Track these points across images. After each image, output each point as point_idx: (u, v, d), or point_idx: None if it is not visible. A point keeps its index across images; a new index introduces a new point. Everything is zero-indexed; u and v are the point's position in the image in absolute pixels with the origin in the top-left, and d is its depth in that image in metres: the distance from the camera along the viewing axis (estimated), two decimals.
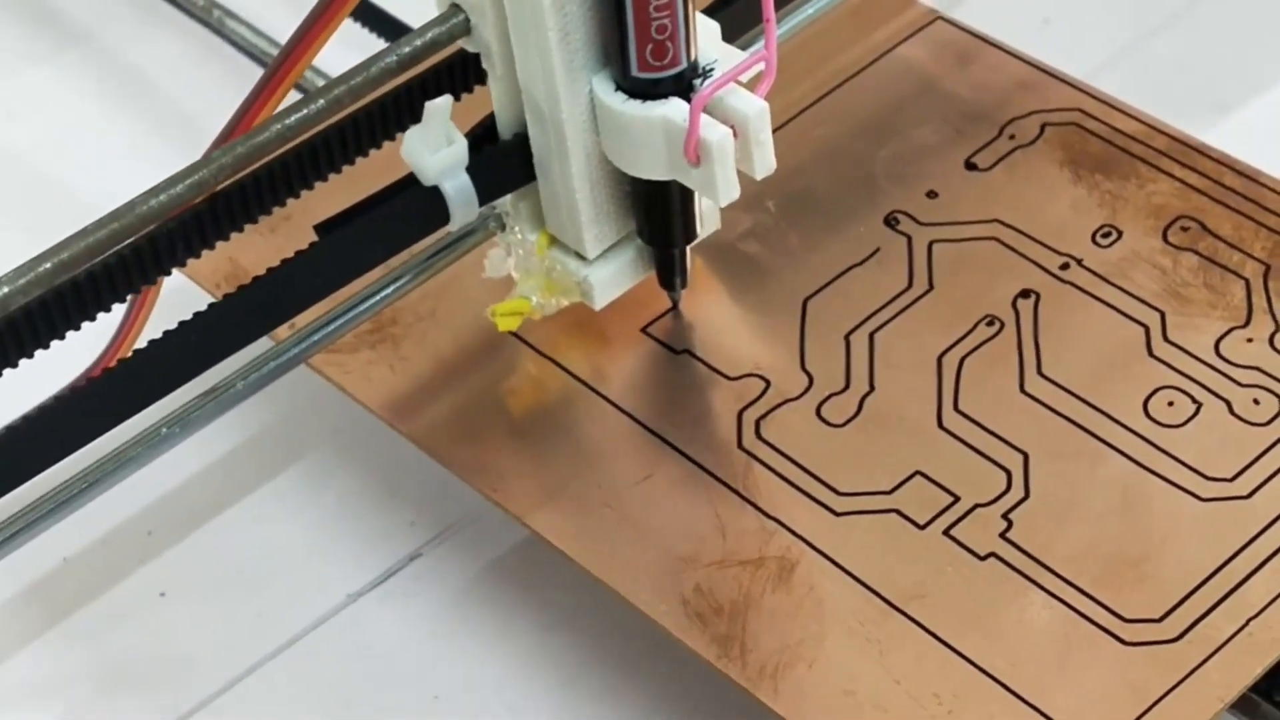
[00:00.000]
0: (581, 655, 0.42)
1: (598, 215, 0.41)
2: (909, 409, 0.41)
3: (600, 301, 0.42)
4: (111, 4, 0.59)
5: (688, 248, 0.42)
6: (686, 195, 0.40)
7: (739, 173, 0.38)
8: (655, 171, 0.39)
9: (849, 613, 0.38)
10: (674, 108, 0.38)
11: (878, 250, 0.44)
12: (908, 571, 0.38)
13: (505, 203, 0.42)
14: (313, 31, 0.38)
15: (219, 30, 0.54)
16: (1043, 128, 0.45)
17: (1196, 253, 0.42)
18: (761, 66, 0.38)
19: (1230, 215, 0.43)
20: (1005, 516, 0.39)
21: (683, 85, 0.38)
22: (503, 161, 0.40)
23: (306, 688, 0.43)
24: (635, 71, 0.38)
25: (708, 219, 0.42)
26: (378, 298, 0.41)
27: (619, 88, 0.38)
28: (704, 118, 0.38)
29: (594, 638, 0.43)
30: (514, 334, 0.43)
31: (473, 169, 0.39)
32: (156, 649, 0.44)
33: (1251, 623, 0.36)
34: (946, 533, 0.39)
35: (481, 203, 0.40)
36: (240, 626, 0.44)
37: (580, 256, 0.42)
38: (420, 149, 0.39)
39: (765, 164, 0.38)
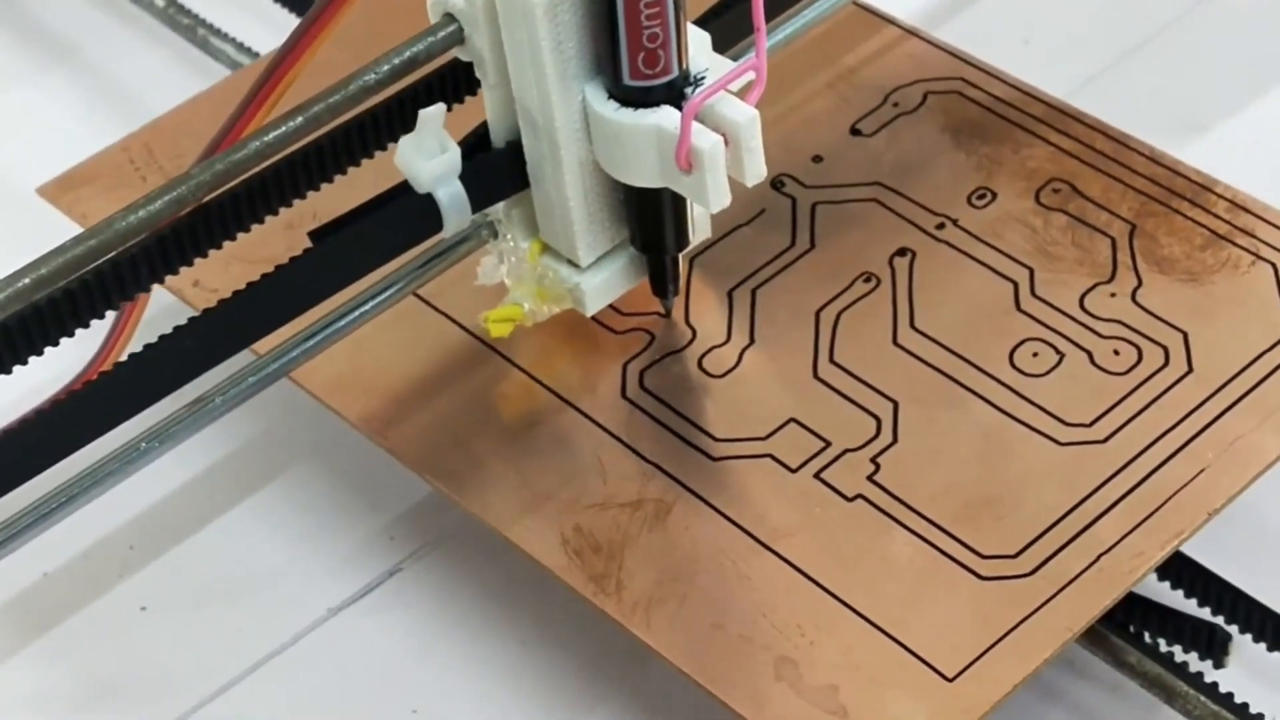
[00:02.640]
0: (560, 669, 0.43)
1: (590, 223, 0.41)
2: (786, 360, 0.42)
3: (592, 308, 0.42)
4: (97, 21, 0.60)
5: (679, 255, 0.42)
6: (678, 203, 0.41)
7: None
8: (647, 179, 0.39)
9: (721, 551, 0.39)
10: (666, 115, 0.38)
11: (763, 211, 0.45)
12: (778, 512, 0.40)
13: (498, 210, 0.42)
14: (300, 45, 0.39)
15: (204, 47, 0.55)
16: (925, 96, 0.47)
17: (1066, 213, 0.44)
18: (752, 76, 0.38)
19: (1100, 178, 0.45)
20: (874, 460, 0.40)
21: (674, 93, 0.38)
22: (496, 169, 0.40)
23: (286, 702, 0.44)
24: (627, 80, 0.38)
25: (699, 226, 0.42)
26: (357, 313, 0.41)
27: (611, 96, 0.39)
28: (695, 125, 0.38)
29: (573, 652, 0.43)
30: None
31: (466, 177, 0.39)
32: (137, 664, 0.45)
33: (1102, 558, 0.38)
34: (817, 476, 0.40)
35: (474, 210, 0.40)
36: (221, 641, 0.45)
37: (572, 264, 0.42)
38: (414, 156, 0.39)
39: (755, 171, 0.39)
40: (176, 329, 0.38)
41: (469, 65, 0.40)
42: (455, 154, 0.39)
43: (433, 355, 0.44)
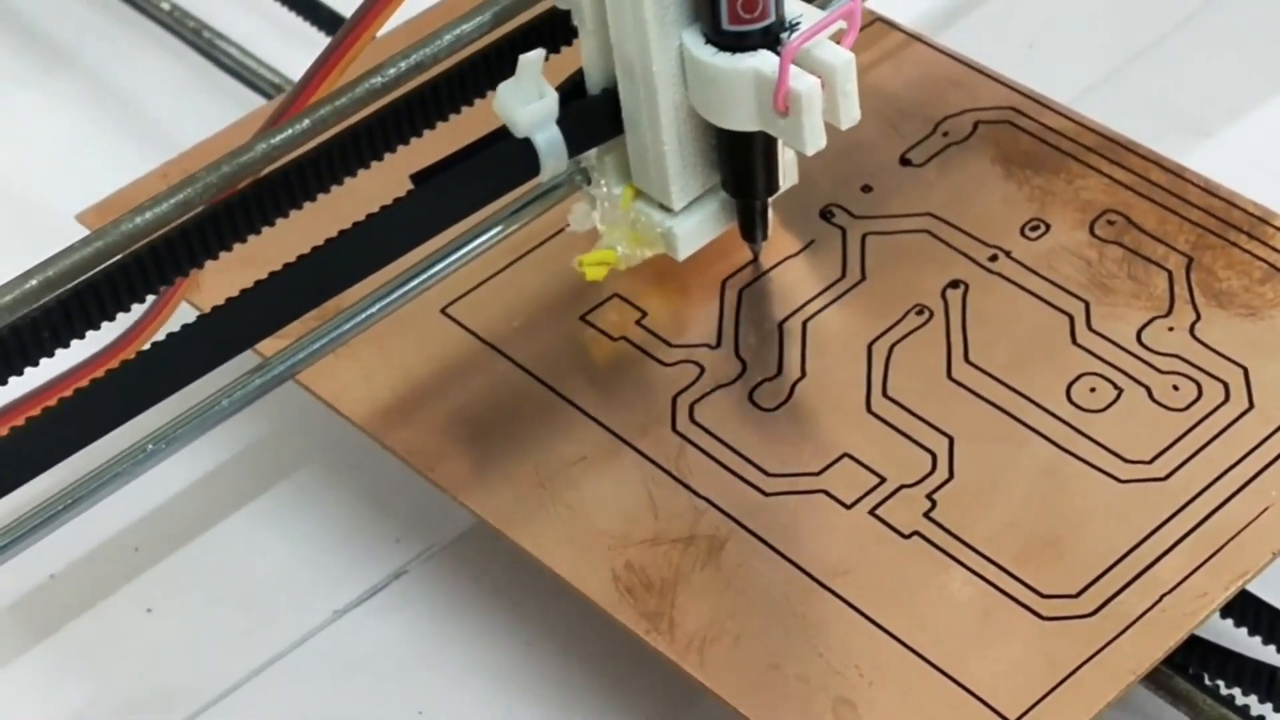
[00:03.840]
0: (566, 671, 0.43)
1: (684, 168, 0.42)
2: (839, 394, 0.42)
3: (684, 252, 0.43)
4: (100, 26, 0.60)
5: (769, 200, 0.43)
6: (770, 148, 0.42)
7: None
8: (743, 123, 0.40)
9: (775, 589, 0.39)
10: (763, 59, 0.39)
11: (813, 242, 0.45)
12: (833, 549, 0.39)
13: (590, 157, 0.43)
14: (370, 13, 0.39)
15: (208, 52, 0.55)
16: (976, 125, 0.46)
17: (1122, 245, 0.44)
18: (844, 24, 0.39)
19: (1155, 209, 0.44)
20: (929, 497, 0.40)
21: (770, 38, 0.39)
22: (592, 115, 0.41)
23: (292, 704, 0.43)
24: (726, 24, 0.39)
25: (788, 172, 0.43)
26: (363, 316, 0.41)
27: (709, 41, 0.39)
28: (793, 68, 0.38)
29: (578, 653, 0.43)
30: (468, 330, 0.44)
31: (563, 122, 0.40)
32: (143, 666, 0.44)
33: (1165, 599, 0.37)
34: (872, 512, 0.40)
35: (571, 155, 0.41)
36: (226, 643, 0.44)
37: (665, 208, 0.42)
38: (513, 102, 0.40)
39: (850, 115, 0.39)
40: (256, 286, 0.38)
41: (566, 14, 0.40)
42: (553, 99, 0.40)
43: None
